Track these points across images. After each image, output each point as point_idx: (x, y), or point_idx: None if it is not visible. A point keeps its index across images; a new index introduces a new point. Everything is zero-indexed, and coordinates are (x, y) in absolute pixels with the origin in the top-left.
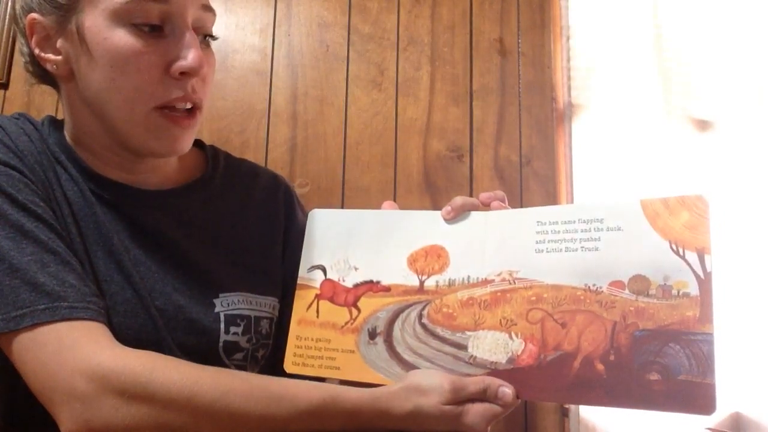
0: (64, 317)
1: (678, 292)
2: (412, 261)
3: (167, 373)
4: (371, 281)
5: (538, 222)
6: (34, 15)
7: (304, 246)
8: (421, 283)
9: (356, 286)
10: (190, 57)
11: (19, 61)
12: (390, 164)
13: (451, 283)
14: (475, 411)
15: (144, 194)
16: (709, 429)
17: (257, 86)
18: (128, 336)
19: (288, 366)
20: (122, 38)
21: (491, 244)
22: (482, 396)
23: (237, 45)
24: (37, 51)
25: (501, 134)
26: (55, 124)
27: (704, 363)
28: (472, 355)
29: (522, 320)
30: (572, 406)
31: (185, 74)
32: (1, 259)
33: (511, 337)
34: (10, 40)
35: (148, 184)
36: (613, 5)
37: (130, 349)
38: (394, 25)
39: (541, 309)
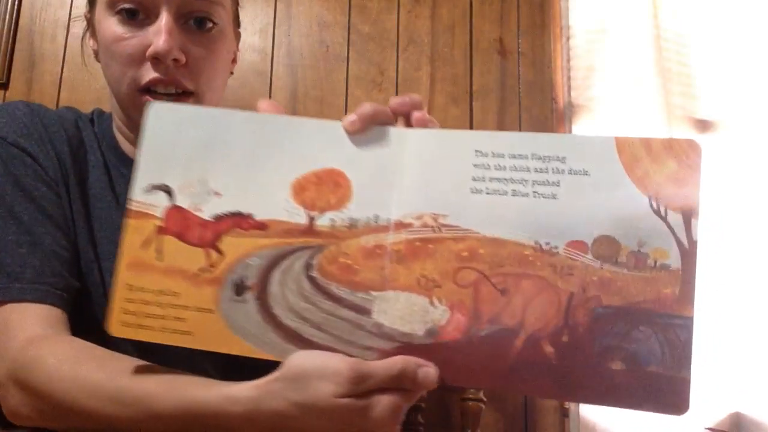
0: (13, 298)
1: (655, 263)
2: (300, 190)
3: (48, 370)
4: (240, 214)
5: (477, 151)
6: (86, 11)
7: (139, 155)
8: (311, 220)
9: (218, 218)
10: (156, 41)
11: (19, 61)
12: None
13: (352, 224)
14: (385, 403)
15: None
16: (709, 429)
17: (257, 86)
18: None
19: (115, 327)
20: (110, 26)
21: (411, 174)
22: (396, 383)
23: None
24: (91, 43)
25: None
26: (104, 114)
27: (680, 353)
28: (377, 323)
29: (448, 281)
30: (573, 406)
31: (157, 59)
32: None
33: (432, 303)
34: (10, 40)
35: None
36: (613, 5)
37: (53, 336)
38: (394, 25)
39: (474, 269)
